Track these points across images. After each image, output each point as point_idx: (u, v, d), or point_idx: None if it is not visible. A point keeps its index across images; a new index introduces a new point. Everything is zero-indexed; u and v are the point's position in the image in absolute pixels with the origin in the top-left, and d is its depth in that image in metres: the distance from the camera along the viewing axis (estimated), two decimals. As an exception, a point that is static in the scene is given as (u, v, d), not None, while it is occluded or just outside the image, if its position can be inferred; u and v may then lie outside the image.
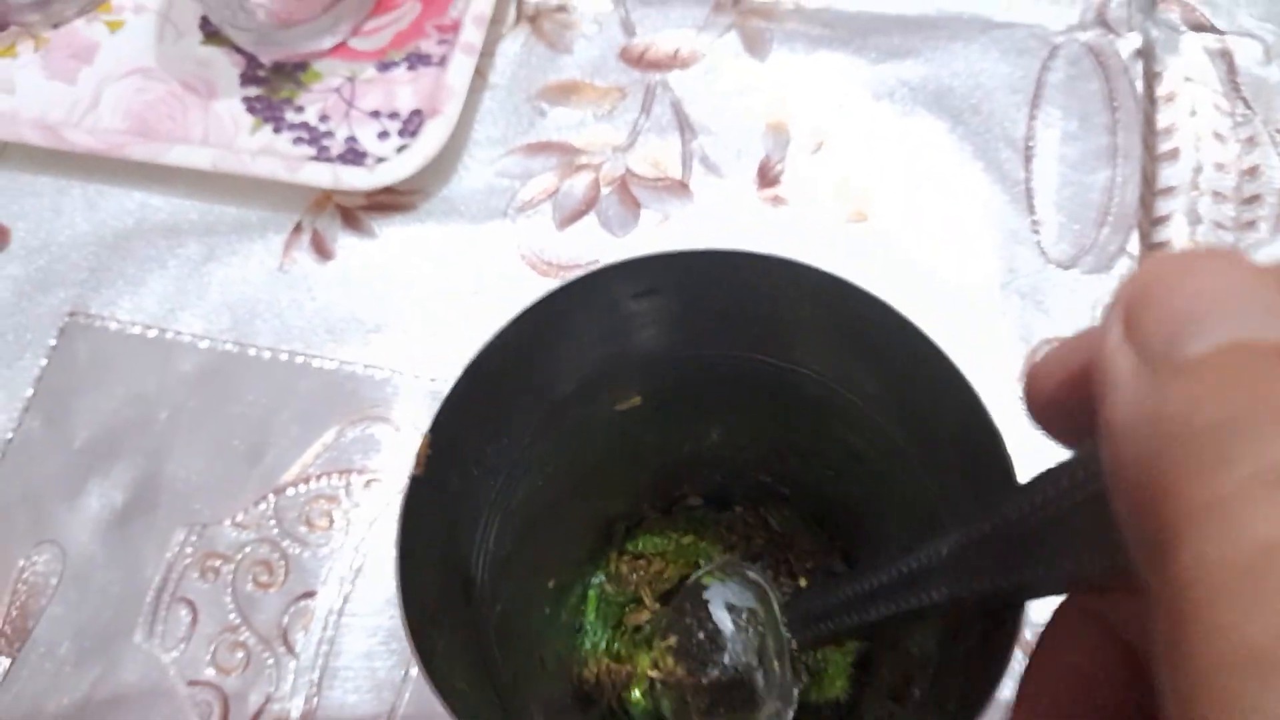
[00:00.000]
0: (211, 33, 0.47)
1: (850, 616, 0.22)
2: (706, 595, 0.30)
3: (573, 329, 0.23)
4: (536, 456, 0.25)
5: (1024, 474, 0.21)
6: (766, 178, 0.41)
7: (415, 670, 0.34)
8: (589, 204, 0.41)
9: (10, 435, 0.39)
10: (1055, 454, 0.16)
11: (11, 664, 0.35)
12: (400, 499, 0.20)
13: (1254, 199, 0.39)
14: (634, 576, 0.33)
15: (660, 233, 0.41)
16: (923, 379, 0.22)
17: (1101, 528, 0.13)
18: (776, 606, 0.27)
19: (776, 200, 0.41)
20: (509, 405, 0.23)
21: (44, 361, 0.40)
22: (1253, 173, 0.40)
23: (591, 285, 0.22)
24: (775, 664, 0.26)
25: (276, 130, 0.44)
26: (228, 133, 0.44)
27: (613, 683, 0.31)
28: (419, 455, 0.21)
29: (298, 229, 0.42)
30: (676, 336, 0.25)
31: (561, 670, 0.30)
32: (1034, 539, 0.16)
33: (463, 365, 0.22)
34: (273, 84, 0.45)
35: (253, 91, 0.45)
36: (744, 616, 0.29)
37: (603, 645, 0.32)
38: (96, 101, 0.46)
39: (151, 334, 0.40)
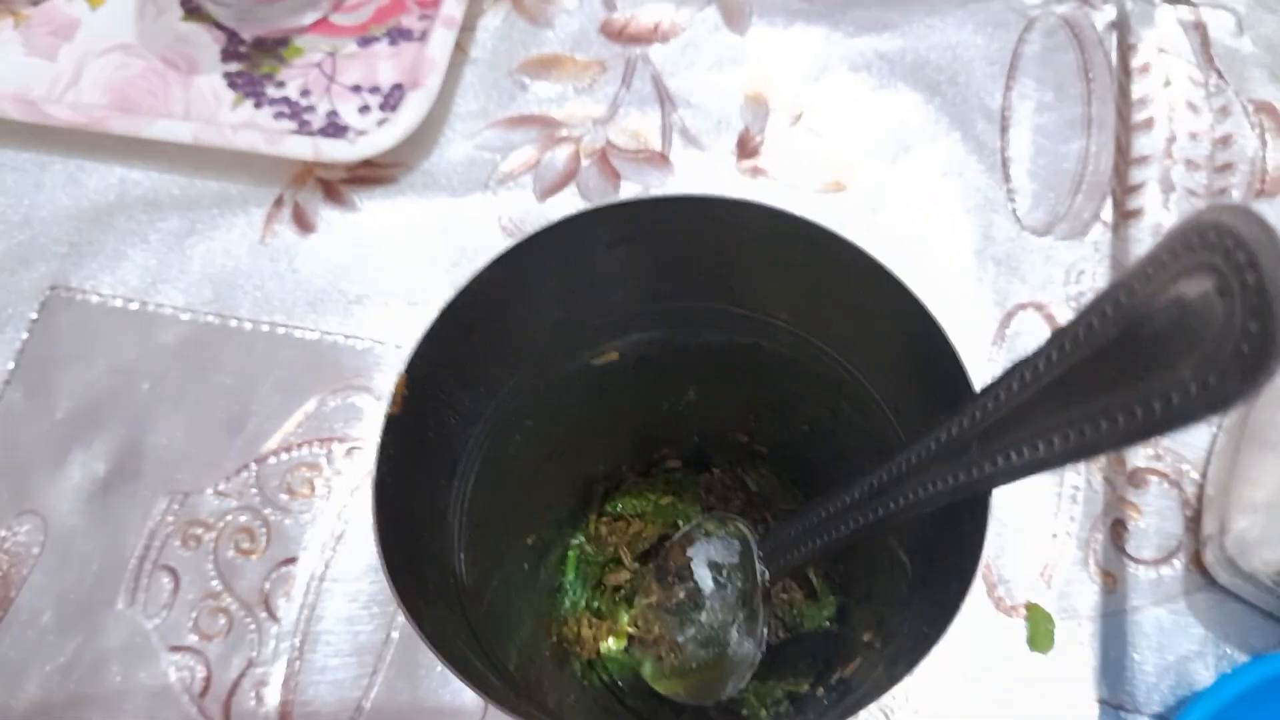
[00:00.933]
0: (192, 9, 0.47)
1: (825, 535, 0.22)
2: (690, 553, 0.30)
3: (548, 276, 0.23)
4: (516, 409, 0.25)
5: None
6: (746, 149, 0.42)
7: (397, 634, 0.34)
8: (569, 176, 0.41)
9: (-8, 407, 0.39)
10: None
11: (-7, 632, 0.35)
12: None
13: (1226, 167, 0.40)
14: (613, 538, 0.33)
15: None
16: (891, 319, 0.22)
17: (1060, 412, 0.13)
18: (755, 548, 0.27)
19: (756, 171, 0.41)
20: (486, 353, 0.23)
21: (25, 335, 0.40)
22: (1225, 142, 0.40)
23: (566, 231, 0.22)
24: (749, 609, 0.26)
25: (258, 105, 0.44)
26: (209, 108, 0.44)
27: (593, 638, 0.31)
28: (395, 394, 0.21)
29: (279, 202, 0.42)
30: (651, 287, 0.25)
31: (540, 626, 0.30)
32: (998, 431, 0.16)
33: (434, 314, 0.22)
34: (253, 59, 0.46)
35: (234, 67, 0.45)
36: (724, 574, 0.29)
37: (582, 604, 0.32)
38: (77, 78, 0.46)
39: (133, 307, 0.40)
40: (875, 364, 0.24)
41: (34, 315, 0.41)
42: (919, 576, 0.23)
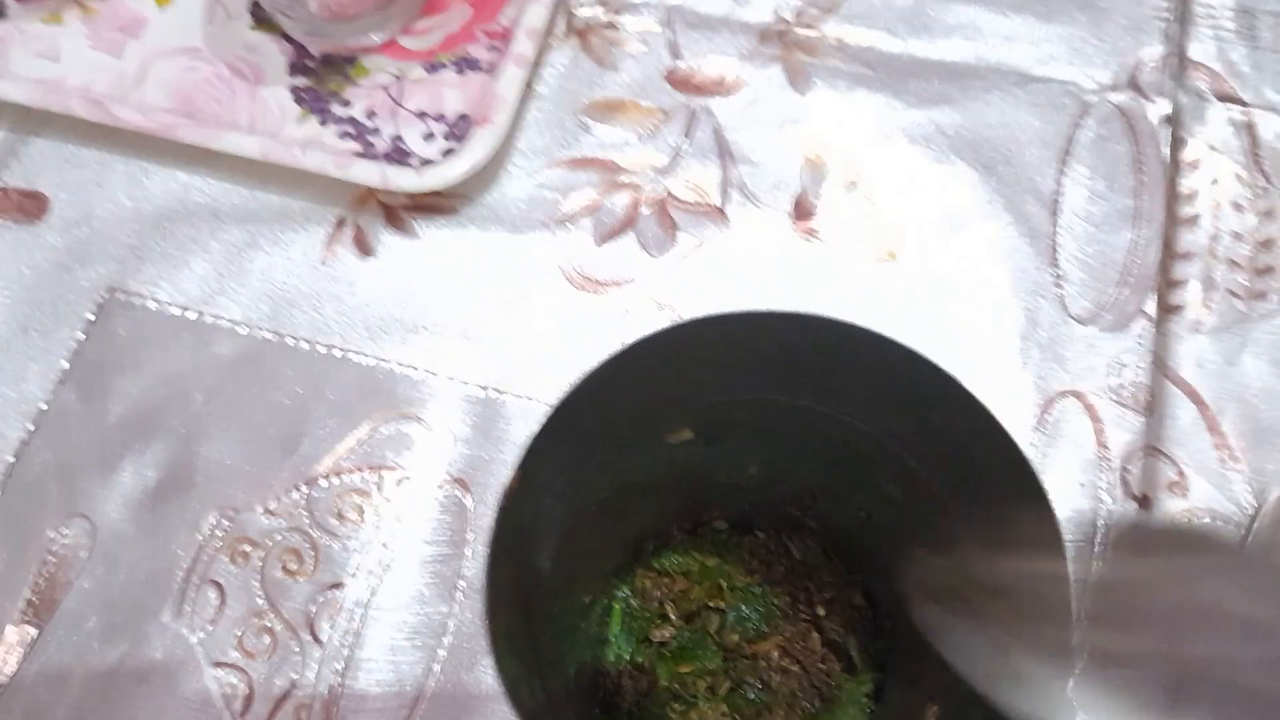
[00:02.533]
0: (262, 18, 0.47)
1: None
2: None
3: (647, 374, 0.24)
4: (595, 484, 0.26)
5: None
6: (801, 211, 0.43)
7: (438, 667, 0.35)
8: (629, 223, 0.42)
9: (44, 406, 0.40)
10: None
11: (39, 635, 0.36)
12: (492, 520, 0.21)
13: (1267, 270, 0.41)
14: (658, 593, 0.34)
15: (696, 256, 0.42)
16: (961, 429, 0.23)
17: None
18: None
19: (810, 234, 0.42)
20: (582, 440, 0.24)
21: (81, 335, 0.41)
22: (1267, 245, 0.41)
23: (673, 337, 0.23)
24: None
25: (323, 122, 0.45)
26: (274, 120, 0.45)
27: (634, 689, 0.32)
28: (509, 489, 0.22)
29: (340, 224, 0.43)
30: (734, 381, 0.26)
31: (586, 680, 0.31)
32: None
33: (550, 403, 0.23)
34: (321, 76, 0.46)
35: (300, 81, 0.46)
36: None
37: (626, 657, 0.33)
38: (143, 78, 0.46)
39: (191, 316, 0.41)
40: (942, 469, 0.25)
41: (91, 316, 0.41)
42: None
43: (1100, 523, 0.36)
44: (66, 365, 0.40)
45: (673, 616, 0.33)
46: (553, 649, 0.28)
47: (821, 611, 0.33)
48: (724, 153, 0.44)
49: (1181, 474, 0.37)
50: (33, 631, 0.36)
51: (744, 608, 0.34)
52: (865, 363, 0.24)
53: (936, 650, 0.26)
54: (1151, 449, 0.37)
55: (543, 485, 0.23)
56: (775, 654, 0.33)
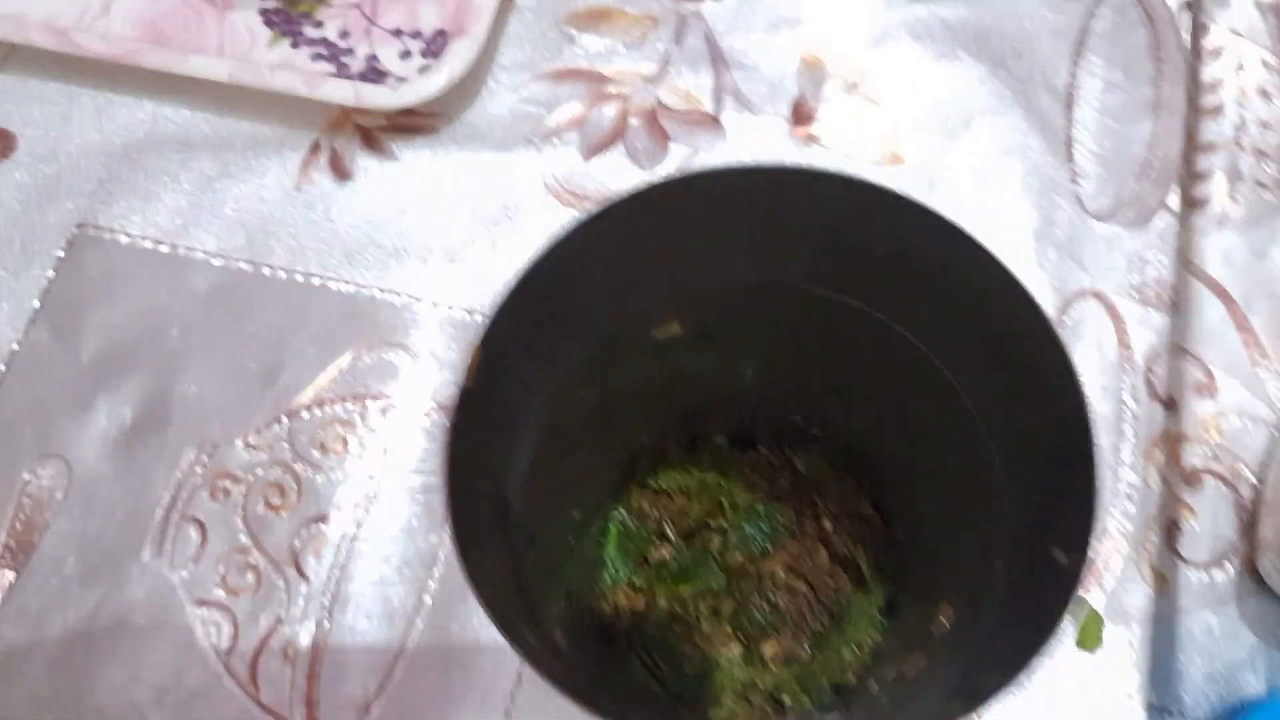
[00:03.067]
0: (229, -60, 0.45)
1: None
2: None
3: (619, 248, 0.22)
4: (576, 379, 0.24)
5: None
6: (800, 116, 0.40)
7: (429, 599, 0.34)
8: (617, 135, 0.40)
9: (16, 346, 0.38)
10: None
11: (16, 578, 0.35)
12: (439, 418, 0.20)
13: (1297, 159, 0.38)
14: (655, 512, 0.32)
15: (690, 167, 0.39)
16: (997, 320, 0.21)
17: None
18: None
19: (810, 139, 0.40)
20: (553, 324, 0.22)
21: (51, 273, 0.39)
22: (1297, 132, 0.39)
23: (640, 203, 0.21)
24: None
25: (295, 45, 0.43)
26: (244, 45, 0.43)
27: (630, 609, 0.30)
28: (470, 367, 0.20)
29: (315, 148, 0.41)
30: (722, 260, 0.24)
31: (581, 601, 0.30)
32: None
33: (506, 282, 0.21)
34: (292, -3, 0.44)
35: (270, 4, 0.44)
36: None
37: (623, 579, 0.31)
38: (107, 8, 0.44)
39: (164, 249, 0.39)
40: (964, 355, 0.23)
41: (60, 253, 0.39)
42: (1001, 571, 0.22)
43: (1126, 427, 0.34)
44: (38, 304, 0.39)
45: (671, 536, 0.32)
46: (542, 570, 0.26)
47: (829, 526, 0.31)
48: (717, 58, 0.41)
49: (1210, 374, 0.35)
50: (10, 575, 0.35)
51: (747, 526, 0.32)
52: (881, 234, 0.22)
53: (950, 551, 0.24)
54: (1177, 349, 0.35)
55: (510, 371, 0.21)
56: (781, 572, 0.31)
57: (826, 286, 0.24)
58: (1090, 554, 0.19)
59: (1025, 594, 0.20)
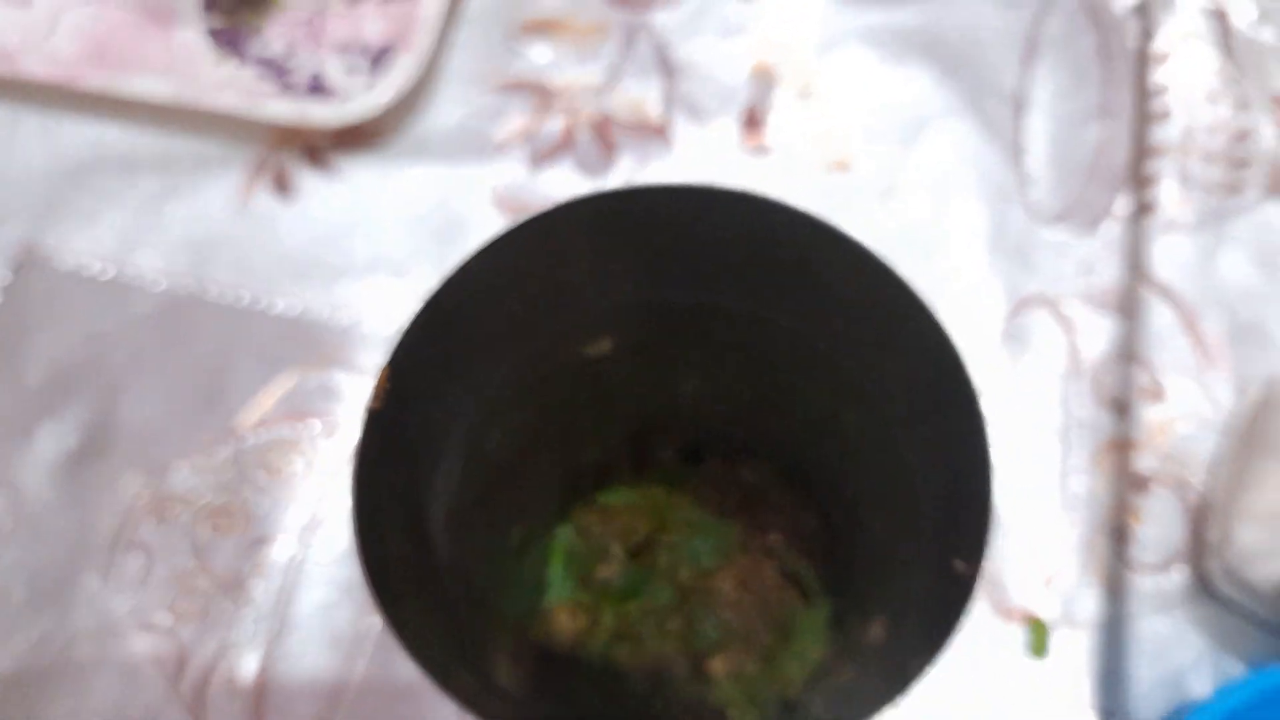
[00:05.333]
0: (174, -42, 0.45)
1: None
2: None
3: (540, 264, 0.22)
4: (503, 401, 0.24)
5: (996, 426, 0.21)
6: (751, 124, 0.40)
7: (377, 620, 0.33)
8: (565, 146, 0.40)
9: (-41, 373, 0.38)
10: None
11: (-39, 609, 0.34)
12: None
13: (1243, 163, 0.38)
14: (602, 530, 0.32)
15: (638, 178, 0.39)
16: (898, 329, 0.21)
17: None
18: None
19: (760, 149, 0.40)
20: (472, 344, 0.22)
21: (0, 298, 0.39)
22: (1243, 137, 0.39)
23: (560, 217, 0.21)
24: None
25: (241, 63, 0.42)
26: (191, 64, 0.42)
27: (574, 630, 0.30)
28: (377, 388, 0.20)
29: (261, 165, 0.40)
30: (647, 278, 0.24)
31: (523, 625, 0.30)
32: None
33: (420, 296, 0.21)
34: (237, 14, 0.43)
35: (216, 22, 0.43)
36: None
37: (567, 598, 0.31)
38: (54, 28, 0.43)
39: (110, 272, 0.39)
40: (886, 372, 0.23)
41: (8, 278, 0.39)
42: (928, 572, 0.22)
43: (1074, 433, 0.34)
44: (-19, 329, 0.38)
45: (618, 553, 0.31)
46: (477, 602, 0.26)
47: (776, 540, 0.31)
48: (666, 68, 0.41)
49: (1157, 379, 0.35)
50: (-47, 607, 0.34)
51: (696, 541, 0.32)
52: (784, 247, 0.22)
53: (884, 562, 0.24)
54: (1126, 354, 0.35)
55: (428, 392, 0.21)
56: (730, 587, 0.31)
57: (747, 302, 0.24)
58: (986, 563, 0.19)
59: (936, 604, 0.20)
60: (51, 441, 0.36)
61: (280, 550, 0.34)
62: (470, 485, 0.24)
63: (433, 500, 0.22)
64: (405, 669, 0.32)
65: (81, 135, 0.41)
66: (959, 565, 0.19)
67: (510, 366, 0.24)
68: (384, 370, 0.20)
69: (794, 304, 0.24)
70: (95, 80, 0.40)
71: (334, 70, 0.42)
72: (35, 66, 0.41)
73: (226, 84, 0.41)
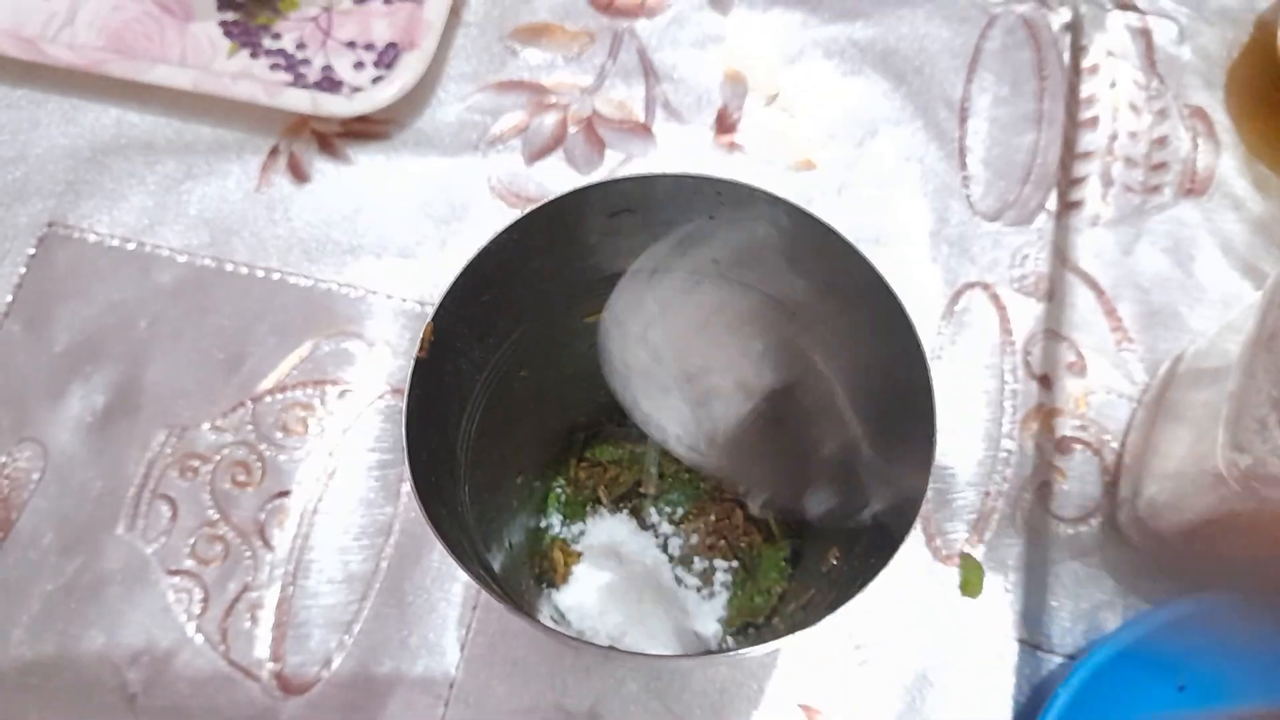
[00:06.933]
0: (189, -44, 0.48)
1: None
2: None
3: (554, 241, 0.26)
4: (516, 360, 0.28)
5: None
6: (724, 125, 0.44)
7: (385, 564, 0.37)
8: (557, 141, 0.44)
9: (-10, 338, 0.40)
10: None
11: (-4, 552, 0.37)
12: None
13: (1161, 166, 0.43)
14: (590, 481, 0.36)
15: (623, 171, 0.43)
16: (862, 301, 0.25)
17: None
18: None
19: (732, 146, 0.44)
20: (497, 308, 0.26)
21: (23, 270, 0.42)
22: (1162, 142, 0.44)
23: (573, 202, 0.24)
24: None
25: (254, 55, 0.45)
26: (205, 55, 0.45)
27: (564, 562, 0.34)
28: (423, 340, 0.24)
29: (274, 152, 0.44)
30: (644, 253, 0.28)
31: (522, 553, 0.33)
32: None
33: (456, 271, 0.25)
34: (250, 10, 0.47)
35: (230, 16, 0.47)
36: None
37: (562, 537, 0.35)
38: (72, 18, 0.46)
39: (130, 247, 0.42)
40: (842, 334, 0.27)
41: (32, 251, 0.42)
42: (870, 515, 0.26)
43: (1006, 402, 0.39)
44: (10, 299, 0.41)
45: (605, 500, 0.35)
46: (488, 520, 0.30)
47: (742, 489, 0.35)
48: (648, 72, 0.45)
49: (1080, 355, 0.39)
50: (-10, 550, 0.37)
51: (674, 493, 0.36)
52: (773, 226, 0.26)
53: (839, 501, 0.28)
54: (1052, 333, 0.40)
55: (458, 348, 0.25)
56: (702, 531, 0.35)
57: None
58: (937, 479, 0.23)
59: (885, 525, 0.24)
60: (80, 401, 0.39)
61: (296, 501, 0.38)
62: (486, 431, 0.27)
63: (460, 441, 0.26)
64: (410, 602, 0.36)
65: (102, 120, 0.44)
66: (909, 480, 0.23)
67: (524, 330, 0.28)
68: (428, 325, 0.24)
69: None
70: (118, 68, 0.43)
71: (343, 65, 0.45)
72: (59, 53, 0.43)
73: (241, 75, 0.44)
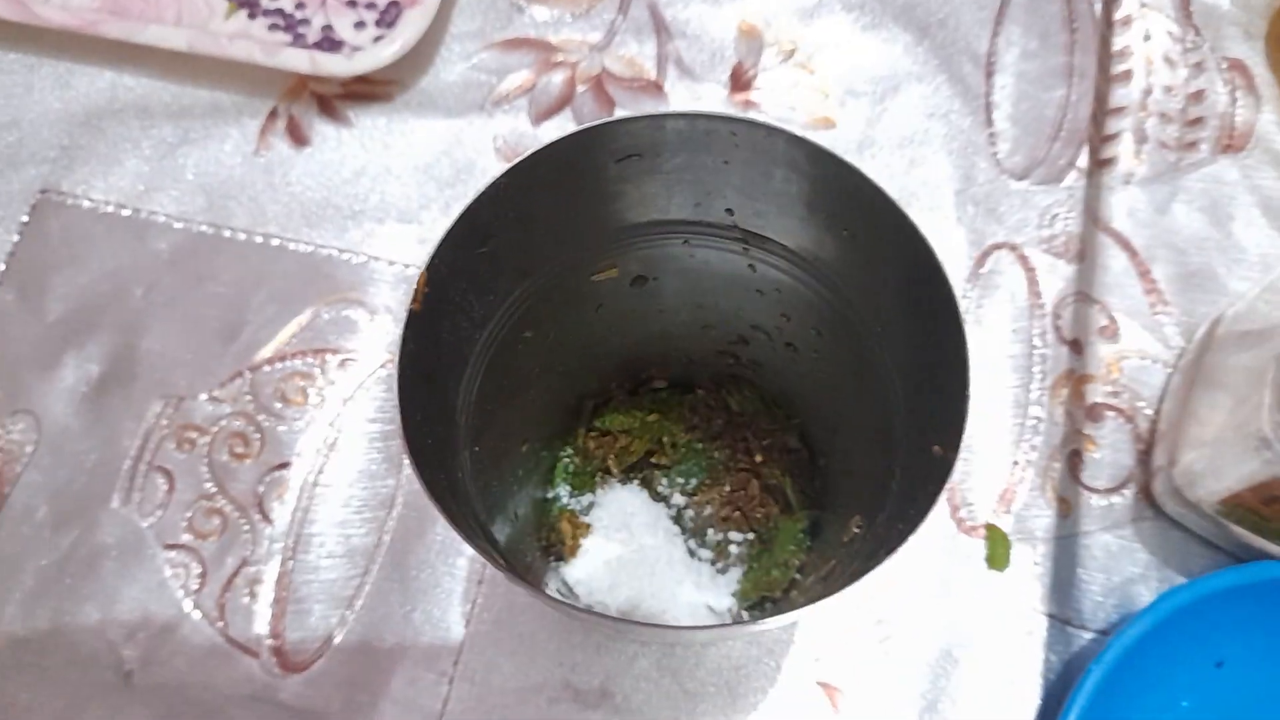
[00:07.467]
0: (184, -86, 0.46)
1: None
2: None
3: (557, 188, 0.24)
4: (520, 318, 0.27)
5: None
6: (739, 82, 0.42)
7: (388, 538, 0.36)
8: (565, 101, 0.42)
9: (-18, 308, 0.39)
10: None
11: (-10, 526, 0.36)
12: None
13: (1197, 121, 0.41)
14: (600, 451, 0.35)
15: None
16: (886, 246, 0.23)
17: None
18: None
19: (748, 104, 0.42)
20: (497, 262, 0.24)
21: (16, 237, 0.40)
22: (1198, 97, 0.42)
23: (577, 143, 0.23)
24: None
25: (251, 16, 0.44)
26: (201, 15, 0.44)
27: (573, 534, 0.33)
28: (416, 292, 0.22)
29: (273, 114, 0.42)
30: (653, 204, 0.26)
31: (528, 525, 0.32)
32: None
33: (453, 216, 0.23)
34: (247, -31, 0.45)
35: (227, -25, 0.45)
36: None
37: (570, 508, 0.34)
38: (65, -21, 0.45)
39: (125, 213, 0.41)
40: (867, 288, 0.26)
41: (25, 218, 0.41)
42: (897, 480, 0.24)
43: (1035, 367, 0.37)
44: (3, 267, 0.40)
45: (614, 470, 0.34)
46: (493, 490, 0.28)
47: (759, 459, 0.34)
48: (660, 28, 0.43)
49: (1112, 319, 0.37)
50: (-17, 524, 0.36)
51: (687, 464, 0.35)
52: (785, 169, 0.24)
53: (861, 471, 0.27)
54: (1082, 295, 0.38)
55: (456, 303, 0.23)
56: (717, 503, 0.34)
57: (747, 228, 0.26)
58: (962, 448, 0.21)
59: (912, 489, 0.22)
60: (74, 371, 0.38)
61: (296, 473, 0.37)
62: (490, 395, 0.26)
63: (460, 403, 0.25)
64: (414, 577, 0.35)
65: (97, 83, 0.43)
66: (937, 449, 0.22)
67: (527, 287, 0.26)
68: (422, 274, 0.22)
69: (791, 228, 0.26)
70: (112, 28, 0.42)
71: (343, 24, 0.43)
72: (51, 14, 0.42)
73: (239, 35, 0.43)
